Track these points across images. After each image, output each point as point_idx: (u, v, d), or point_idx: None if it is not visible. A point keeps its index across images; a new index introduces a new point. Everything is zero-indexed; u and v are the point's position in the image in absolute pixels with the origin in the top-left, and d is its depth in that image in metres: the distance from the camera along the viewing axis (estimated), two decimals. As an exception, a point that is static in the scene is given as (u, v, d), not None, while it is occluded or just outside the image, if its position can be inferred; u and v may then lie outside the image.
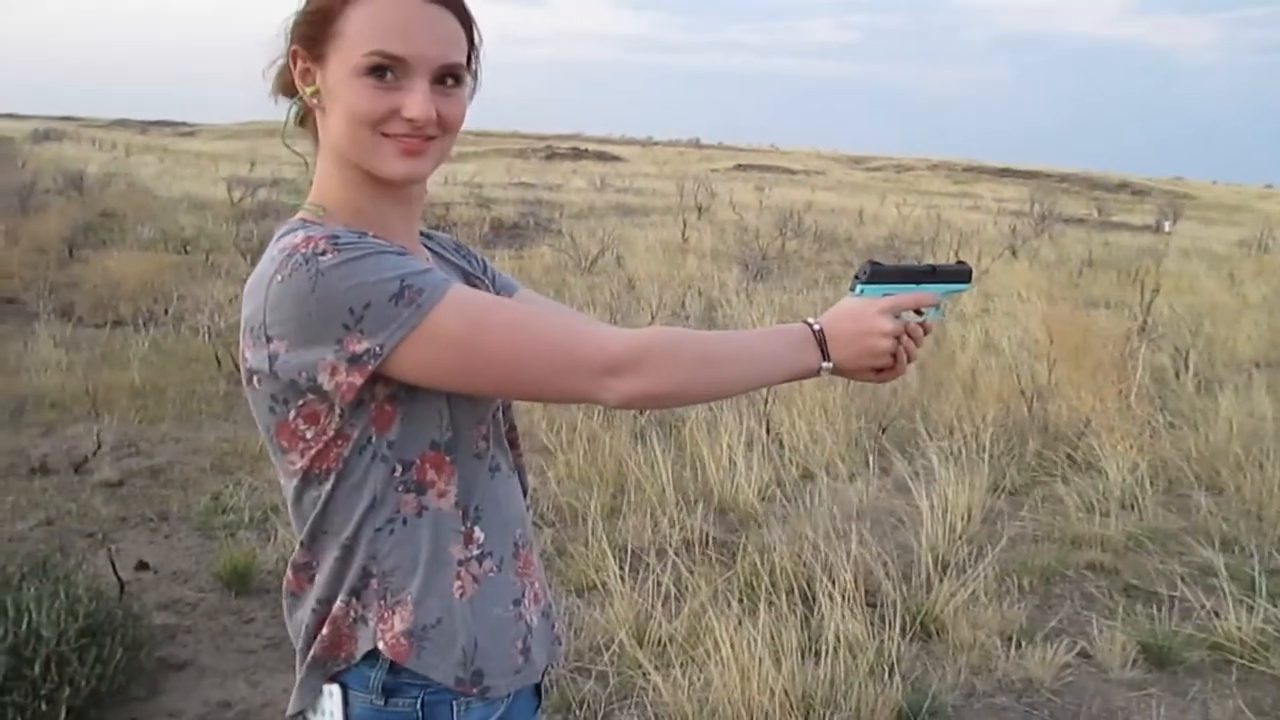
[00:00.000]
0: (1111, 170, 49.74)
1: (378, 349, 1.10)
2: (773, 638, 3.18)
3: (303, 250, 1.11)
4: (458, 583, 1.23)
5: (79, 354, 6.80)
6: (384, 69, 1.16)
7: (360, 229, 1.17)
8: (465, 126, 1.26)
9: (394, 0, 1.17)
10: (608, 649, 3.36)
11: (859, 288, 1.34)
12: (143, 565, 3.94)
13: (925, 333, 1.36)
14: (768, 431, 5.40)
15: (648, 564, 3.78)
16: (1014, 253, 14.46)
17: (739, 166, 41.78)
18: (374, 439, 1.18)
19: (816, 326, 1.28)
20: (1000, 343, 7.88)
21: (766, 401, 5.63)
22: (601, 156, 44.01)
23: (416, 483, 1.20)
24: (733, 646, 3.04)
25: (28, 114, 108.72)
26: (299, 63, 1.21)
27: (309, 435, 1.17)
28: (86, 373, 6.26)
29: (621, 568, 3.75)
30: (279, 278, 1.11)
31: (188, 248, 11.98)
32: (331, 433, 1.17)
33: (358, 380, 1.12)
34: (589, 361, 1.16)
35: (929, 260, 1.56)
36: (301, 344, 1.11)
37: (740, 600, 3.53)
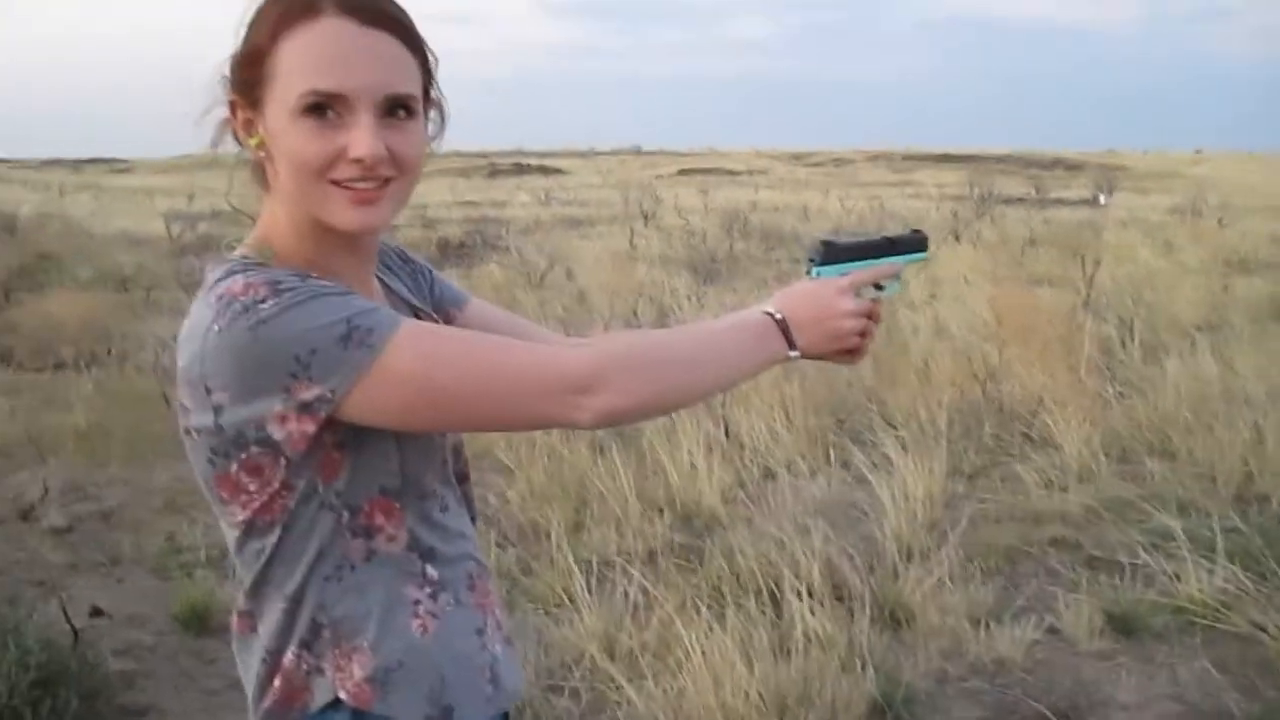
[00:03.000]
0: (1046, 147, 50.37)
1: (329, 394, 1.04)
2: (743, 640, 3.17)
3: (242, 298, 1.04)
4: (416, 621, 1.18)
5: (20, 399, 6.64)
6: (323, 108, 1.07)
7: (305, 273, 1.10)
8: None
9: (326, 29, 1.07)
10: (579, 664, 3.32)
11: (814, 270, 1.29)
12: (97, 611, 3.84)
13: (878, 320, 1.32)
14: (726, 434, 5.39)
15: (613, 577, 3.75)
16: (957, 237, 14.58)
17: (682, 171, 41.77)
18: (321, 488, 1.12)
19: (779, 315, 1.23)
20: (950, 327, 7.94)
21: (724, 404, 5.63)
22: (544, 170, 43.77)
23: (364, 528, 1.15)
24: (704, 653, 3.02)
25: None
26: (239, 113, 1.13)
27: (252, 488, 1.11)
28: (29, 418, 6.11)
29: (588, 581, 3.72)
30: (216, 328, 1.05)
31: (127, 285, 11.77)
32: (276, 484, 1.10)
33: (310, 428, 1.06)
34: (553, 384, 1.10)
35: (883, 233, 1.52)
36: (246, 396, 1.05)
37: (709, 605, 3.50)
